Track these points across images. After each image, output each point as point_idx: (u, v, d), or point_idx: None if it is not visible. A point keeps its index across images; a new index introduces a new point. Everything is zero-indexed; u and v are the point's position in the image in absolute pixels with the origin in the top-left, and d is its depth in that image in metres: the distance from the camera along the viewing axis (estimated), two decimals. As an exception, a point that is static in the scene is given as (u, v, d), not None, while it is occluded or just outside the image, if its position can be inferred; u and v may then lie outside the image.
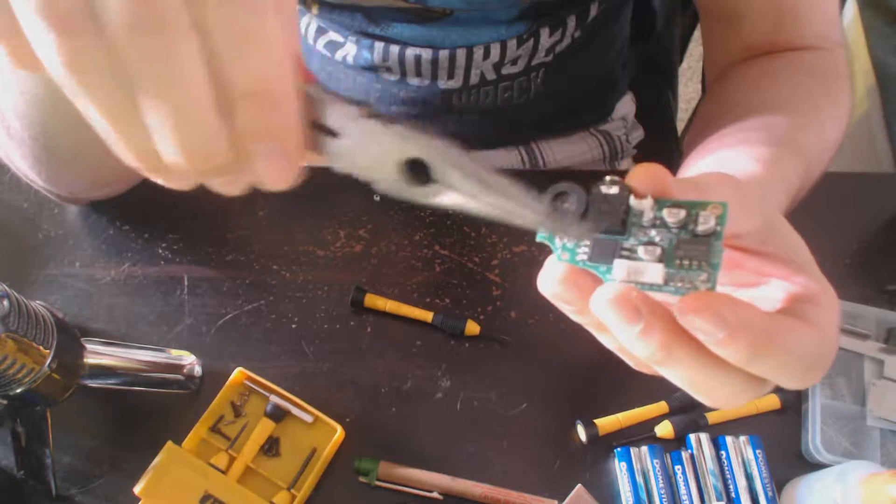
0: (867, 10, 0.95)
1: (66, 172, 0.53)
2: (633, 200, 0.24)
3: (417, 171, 0.22)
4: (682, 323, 0.22)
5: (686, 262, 0.23)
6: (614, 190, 0.24)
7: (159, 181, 0.23)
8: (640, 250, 0.24)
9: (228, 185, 0.23)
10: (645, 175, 0.24)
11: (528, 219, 0.23)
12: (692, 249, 0.23)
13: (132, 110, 0.20)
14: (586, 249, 0.25)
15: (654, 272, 0.23)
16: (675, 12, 0.86)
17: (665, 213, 0.24)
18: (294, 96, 0.21)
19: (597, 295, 0.23)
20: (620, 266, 0.24)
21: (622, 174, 0.25)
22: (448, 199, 0.23)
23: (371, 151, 0.22)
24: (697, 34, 0.90)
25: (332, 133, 0.22)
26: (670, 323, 0.22)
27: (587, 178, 0.25)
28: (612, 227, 0.24)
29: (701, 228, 0.23)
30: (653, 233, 0.24)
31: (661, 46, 0.86)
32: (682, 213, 0.23)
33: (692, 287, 0.23)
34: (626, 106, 0.80)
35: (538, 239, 0.26)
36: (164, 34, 0.18)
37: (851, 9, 0.99)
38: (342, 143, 0.22)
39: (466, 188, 0.22)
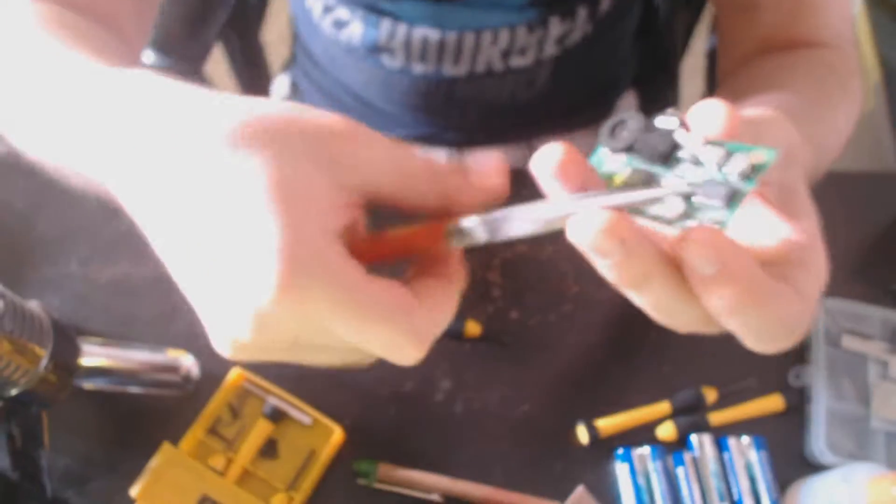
0: (873, 8, 0.94)
1: None
2: (679, 136, 0.25)
3: None
4: (680, 250, 0.22)
5: (706, 202, 0.23)
6: (669, 124, 0.25)
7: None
8: (669, 182, 0.24)
9: None
10: (716, 114, 0.24)
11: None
12: (716, 191, 0.23)
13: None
14: (624, 177, 0.26)
15: (673, 205, 0.24)
16: (677, 9, 0.85)
17: (707, 149, 0.24)
18: None
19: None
20: None
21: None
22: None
23: (552, 225, 0.25)
24: (698, 32, 0.89)
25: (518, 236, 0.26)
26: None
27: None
28: (653, 159, 0.25)
29: (733, 172, 0.23)
30: (688, 168, 0.24)
31: (663, 43, 0.86)
32: (721, 152, 0.24)
33: (702, 224, 0.23)
34: (627, 102, 0.79)
35: (590, 161, 0.27)
36: None
37: (857, 6, 0.98)
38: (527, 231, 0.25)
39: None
